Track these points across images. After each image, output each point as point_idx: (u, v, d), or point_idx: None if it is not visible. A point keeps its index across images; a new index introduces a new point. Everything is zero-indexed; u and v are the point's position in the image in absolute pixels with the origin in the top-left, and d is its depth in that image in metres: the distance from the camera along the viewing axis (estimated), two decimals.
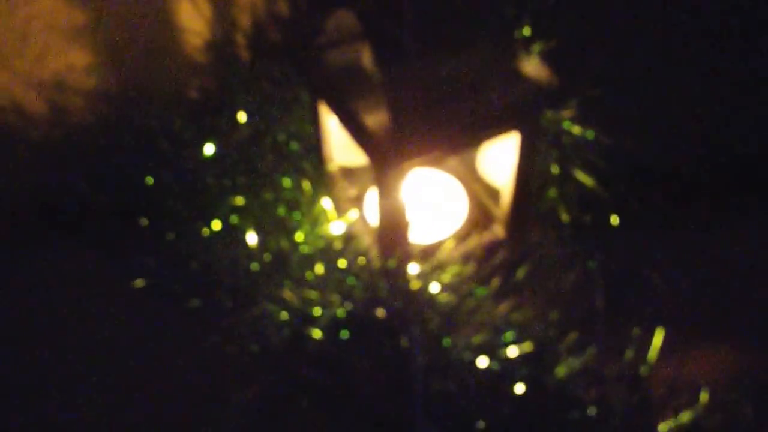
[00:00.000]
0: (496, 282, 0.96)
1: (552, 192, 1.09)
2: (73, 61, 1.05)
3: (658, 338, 0.90)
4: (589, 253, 1.05)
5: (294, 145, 1.07)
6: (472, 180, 1.13)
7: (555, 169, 1.09)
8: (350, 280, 0.92)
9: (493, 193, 1.09)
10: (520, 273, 1.02)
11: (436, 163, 1.05)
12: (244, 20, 1.21)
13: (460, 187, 1.12)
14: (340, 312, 0.88)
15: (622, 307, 0.97)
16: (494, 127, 0.90)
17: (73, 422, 0.93)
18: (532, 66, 0.91)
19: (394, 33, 0.84)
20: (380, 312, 0.89)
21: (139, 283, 0.99)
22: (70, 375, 0.98)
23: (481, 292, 0.95)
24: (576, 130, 1.10)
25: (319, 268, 0.95)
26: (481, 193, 1.11)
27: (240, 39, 1.22)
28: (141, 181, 1.00)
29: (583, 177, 1.09)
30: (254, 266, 0.92)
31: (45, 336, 1.01)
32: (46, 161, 1.07)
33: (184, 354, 0.97)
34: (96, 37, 1.04)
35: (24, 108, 1.05)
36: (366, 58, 0.92)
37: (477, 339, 0.89)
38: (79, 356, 0.99)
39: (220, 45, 1.18)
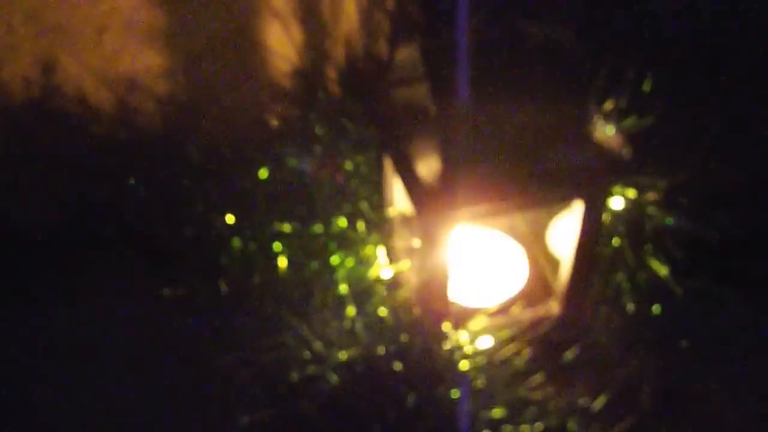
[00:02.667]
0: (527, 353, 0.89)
1: (620, 276, 1.01)
2: (149, 63, 1.05)
3: None
4: (648, 350, 0.96)
5: (355, 183, 1.03)
6: (538, 251, 1.06)
7: (628, 254, 1.01)
8: (377, 328, 0.86)
9: (557, 267, 1.01)
10: (569, 354, 0.93)
11: (486, 220, 0.98)
12: (337, 53, 1.19)
13: (524, 256, 1.05)
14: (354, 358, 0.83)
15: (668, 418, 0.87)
16: (553, 190, 0.83)
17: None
18: (606, 132, 0.84)
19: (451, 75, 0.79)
20: (397, 365, 0.83)
21: (167, 292, 0.97)
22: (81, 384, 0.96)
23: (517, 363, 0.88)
24: (657, 215, 1.01)
25: (351, 311, 0.90)
26: (544, 265, 1.04)
27: (330, 71, 1.20)
28: (194, 193, 0.98)
29: (657, 266, 1.00)
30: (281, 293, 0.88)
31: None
32: (106, 159, 1.07)
33: (194, 370, 0.93)
34: (174, 42, 1.04)
35: (92, 103, 1.05)
36: (430, 100, 0.88)
37: (498, 412, 0.82)
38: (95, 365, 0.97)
39: (307, 74, 1.16)
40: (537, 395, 0.89)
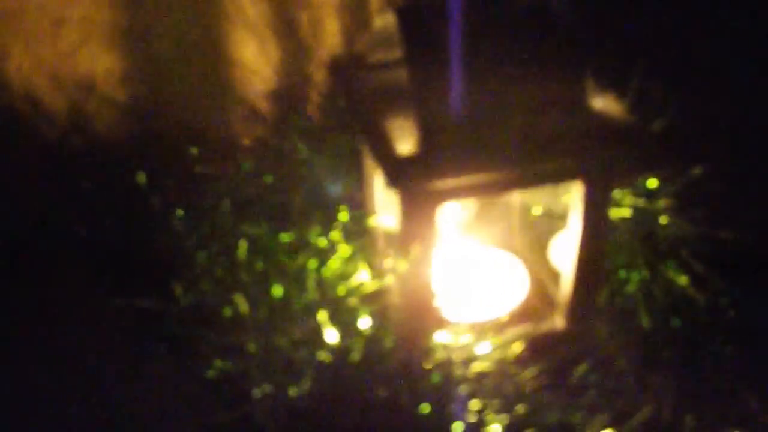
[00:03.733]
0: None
1: (632, 287, 0.89)
2: (109, 66, 0.96)
3: None
4: (665, 370, 0.83)
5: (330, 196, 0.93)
6: (540, 266, 0.95)
7: (640, 263, 0.90)
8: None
9: (560, 282, 0.89)
10: (577, 372, 0.81)
11: (475, 195, 0.87)
12: (319, 76, 1.11)
13: (523, 270, 0.94)
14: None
15: None
16: (547, 161, 0.72)
17: None
18: (606, 101, 0.75)
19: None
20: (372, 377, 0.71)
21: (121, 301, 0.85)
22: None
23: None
24: (671, 222, 0.90)
25: (323, 316, 0.78)
26: (547, 280, 0.92)
27: (314, 96, 1.12)
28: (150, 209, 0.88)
29: (675, 275, 0.88)
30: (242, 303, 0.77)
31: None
32: (56, 167, 0.97)
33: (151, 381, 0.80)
34: (138, 45, 0.95)
35: (44, 104, 0.96)
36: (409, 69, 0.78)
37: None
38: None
39: (284, 96, 1.08)
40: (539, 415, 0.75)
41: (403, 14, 0.74)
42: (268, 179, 0.97)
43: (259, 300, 0.81)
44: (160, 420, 0.80)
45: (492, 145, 0.71)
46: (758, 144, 1.03)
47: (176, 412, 0.78)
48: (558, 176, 0.76)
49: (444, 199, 0.73)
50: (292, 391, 0.73)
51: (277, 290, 0.77)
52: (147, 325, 0.83)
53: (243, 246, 0.81)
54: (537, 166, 0.73)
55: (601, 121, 0.73)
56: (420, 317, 0.78)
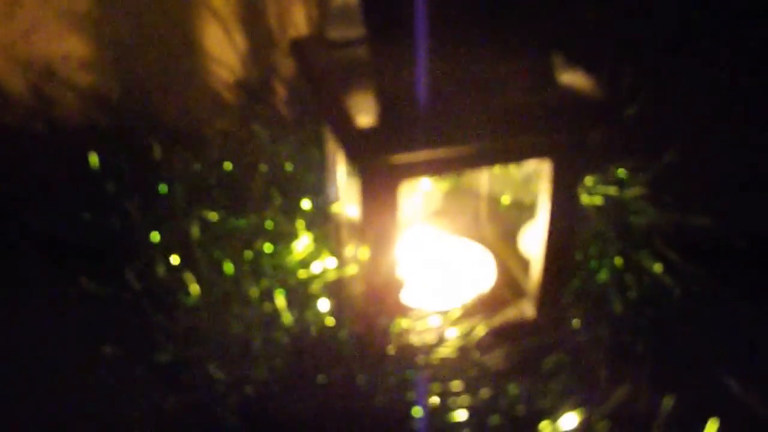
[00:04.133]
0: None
1: (604, 275, 0.86)
2: (68, 49, 0.93)
3: None
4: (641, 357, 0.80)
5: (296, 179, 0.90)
6: (509, 256, 0.92)
7: (613, 251, 0.87)
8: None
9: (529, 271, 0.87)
10: (548, 362, 0.77)
11: (438, 172, 0.84)
12: (287, 67, 1.08)
13: (492, 260, 0.91)
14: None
15: None
16: (513, 137, 0.70)
17: None
18: (575, 77, 0.72)
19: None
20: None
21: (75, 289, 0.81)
22: None
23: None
24: (643, 210, 0.88)
25: (280, 300, 0.75)
26: (516, 269, 0.90)
27: (279, 88, 1.09)
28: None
29: (648, 263, 0.86)
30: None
31: None
32: (15, 152, 0.93)
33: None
34: (97, 30, 0.92)
35: (2, 85, 0.93)
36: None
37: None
38: None
39: (249, 87, 1.05)
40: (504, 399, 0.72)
41: None
42: (228, 167, 0.94)
43: (213, 282, 0.78)
44: (113, 404, 0.76)
45: (456, 119, 0.68)
46: (730, 130, 1.01)
47: (129, 398, 0.74)
48: (525, 153, 0.73)
49: (406, 176, 0.71)
50: (248, 376, 0.70)
51: (228, 267, 0.74)
52: (100, 311, 0.80)
53: (195, 229, 0.78)
54: (503, 142, 0.70)
55: (571, 97, 0.71)
56: (381, 301, 0.74)
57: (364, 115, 0.68)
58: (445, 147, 0.69)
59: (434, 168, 0.72)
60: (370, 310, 0.75)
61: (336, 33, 0.81)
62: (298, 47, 0.81)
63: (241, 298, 0.75)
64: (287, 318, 0.73)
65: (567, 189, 0.75)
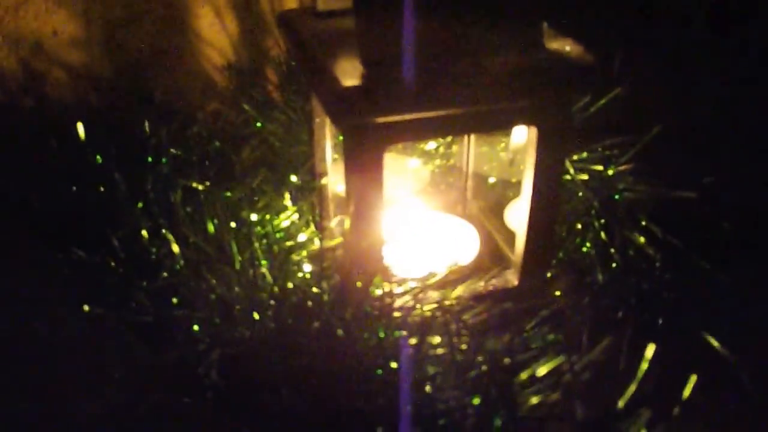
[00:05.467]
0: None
1: (587, 248, 0.87)
2: (58, 27, 0.94)
3: None
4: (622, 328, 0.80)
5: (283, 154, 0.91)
6: (495, 229, 0.93)
7: (600, 230, 0.88)
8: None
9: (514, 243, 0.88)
10: (529, 325, 0.78)
11: (422, 138, 0.85)
12: (276, 52, 1.10)
13: (475, 234, 0.92)
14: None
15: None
16: (498, 101, 0.71)
17: None
18: (562, 43, 0.73)
19: None
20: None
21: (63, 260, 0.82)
22: None
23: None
24: (630, 187, 0.89)
25: (264, 265, 0.75)
26: (501, 242, 0.91)
27: (270, 74, 1.10)
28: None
29: (631, 235, 0.87)
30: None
31: None
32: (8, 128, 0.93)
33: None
34: (89, 7, 0.93)
35: None
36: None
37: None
38: None
39: (241, 70, 1.06)
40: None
41: None
42: (216, 144, 0.95)
43: (196, 244, 0.78)
44: (97, 364, 0.76)
45: (442, 83, 0.69)
46: (712, 108, 1.03)
47: (113, 357, 0.75)
48: (510, 119, 0.74)
49: (391, 138, 0.72)
50: (230, 334, 0.70)
51: (210, 227, 0.74)
52: (87, 277, 0.80)
53: (179, 193, 0.79)
54: (488, 106, 0.71)
55: (557, 61, 0.72)
56: (363, 261, 0.75)
57: (350, 78, 0.69)
58: (430, 110, 0.70)
59: (419, 132, 0.72)
60: (351, 269, 0.75)
61: (324, 5, 0.82)
62: (285, 19, 0.82)
63: (225, 259, 0.76)
64: (269, 278, 0.73)
65: (553, 157, 0.76)
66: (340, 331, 0.68)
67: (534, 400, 0.65)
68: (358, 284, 0.73)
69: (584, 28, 0.75)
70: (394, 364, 0.66)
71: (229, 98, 1.04)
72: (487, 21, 0.71)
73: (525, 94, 0.71)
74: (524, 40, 0.72)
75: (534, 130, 0.74)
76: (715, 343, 0.69)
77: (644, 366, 0.62)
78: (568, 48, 0.72)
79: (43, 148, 0.87)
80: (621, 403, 0.61)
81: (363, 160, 0.71)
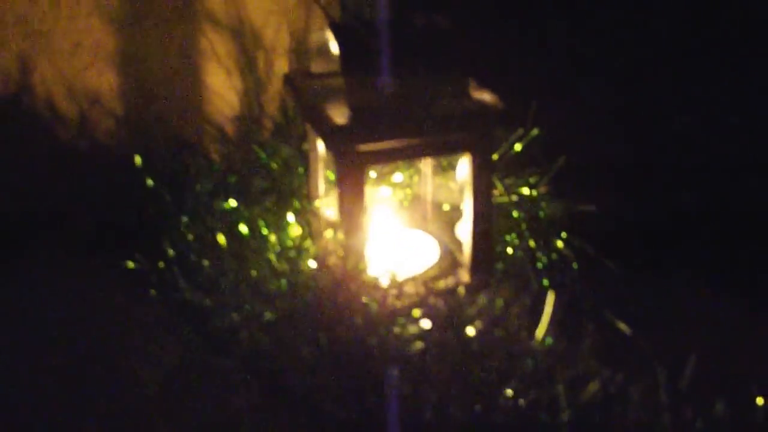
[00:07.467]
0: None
1: (520, 254, 1.14)
2: (112, 84, 1.22)
3: None
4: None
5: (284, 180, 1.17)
6: (449, 240, 1.19)
7: (529, 239, 1.16)
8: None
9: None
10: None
11: (392, 161, 1.12)
12: (271, 107, 1.38)
13: (435, 243, 1.18)
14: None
15: None
16: (446, 132, 0.99)
17: None
18: (482, 94, 1.02)
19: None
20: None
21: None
22: None
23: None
24: (550, 204, 1.17)
25: (282, 265, 1.01)
26: (455, 250, 1.17)
27: (267, 124, 1.38)
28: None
29: (557, 243, 1.14)
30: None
31: None
32: (65, 164, 1.21)
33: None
34: (134, 70, 1.22)
35: (60, 110, 1.21)
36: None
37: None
38: None
39: (249, 124, 1.34)
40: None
41: (336, 28, 1.02)
42: (232, 179, 1.21)
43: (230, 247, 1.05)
44: (147, 344, 1.01)
45: (405, 121, 0.97)
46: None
47: (160, 338, 1.00)
48: (453, 148, 1.02)
49: (370, 160, 0.99)
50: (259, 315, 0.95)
51: (245, 233, 1.00)
52: (140, 278, 1.06)
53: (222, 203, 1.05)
54: (436, 137, 0.99)
55: (482, 107, 1.00)
56: (352, 256, 1.01)
57: (340, 116, 0.96)
58: (399, 139, 0.97)
59: (390, 156, 1.00)
60: (343, 264, 1.01)
61: (317, 68, 1.10)
62: (289, 78, 1.10)
63: (257, 256, 1.02)
64: (282, 266, 0.99)
65: (484, 172, 1.03)
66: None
67: None
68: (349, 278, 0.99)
69: (507, 83, 1.04)
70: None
71: (238, 140, 1.32)
72: (432, 79, 1.00)
73: (462, 129, 0.99)
74: (456, 91, 1.01)
75: (469, 157, 1.02)
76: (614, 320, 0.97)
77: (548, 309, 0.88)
78: (487, 97, 1.00)
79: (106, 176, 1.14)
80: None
81: (351, 177, 0.98)
